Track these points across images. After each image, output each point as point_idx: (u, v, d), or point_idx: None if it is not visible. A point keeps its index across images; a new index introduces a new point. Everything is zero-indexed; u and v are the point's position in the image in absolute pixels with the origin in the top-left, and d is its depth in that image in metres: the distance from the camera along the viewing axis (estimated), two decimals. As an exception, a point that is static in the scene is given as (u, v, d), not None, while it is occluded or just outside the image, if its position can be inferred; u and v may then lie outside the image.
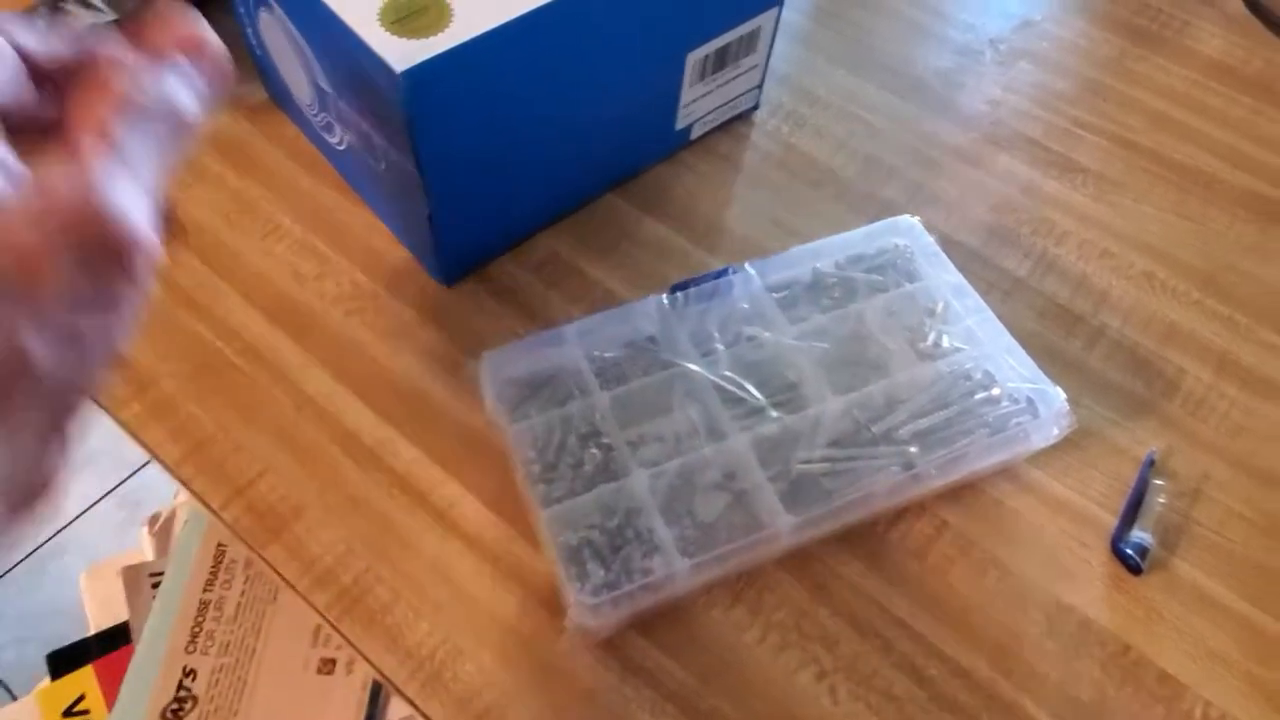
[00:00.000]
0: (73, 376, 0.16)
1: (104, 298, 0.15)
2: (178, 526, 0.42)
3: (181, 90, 0.17)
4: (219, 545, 0.40)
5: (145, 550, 0.43)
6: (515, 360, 0.32)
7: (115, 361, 0.17)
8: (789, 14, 0.47)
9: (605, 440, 0.30)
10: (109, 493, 1.29)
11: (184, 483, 0.31)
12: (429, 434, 0.33)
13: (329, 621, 0.29)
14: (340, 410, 0.33)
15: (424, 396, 0.33)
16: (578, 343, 0.32)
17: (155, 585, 0.41)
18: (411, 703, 0.27)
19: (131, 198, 0.15)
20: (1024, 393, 0.32)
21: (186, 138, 0.17)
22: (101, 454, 1.31)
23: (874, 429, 0.31)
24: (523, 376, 0.32)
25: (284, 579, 0.30)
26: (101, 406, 0.33)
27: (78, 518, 1.27)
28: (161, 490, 1.28)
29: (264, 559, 0.30)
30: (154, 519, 0.44)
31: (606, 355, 0.32)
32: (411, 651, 0.28)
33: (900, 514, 0.32)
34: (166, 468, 0.32)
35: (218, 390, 0.33)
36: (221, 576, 0.39)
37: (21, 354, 0.15)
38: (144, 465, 1.30)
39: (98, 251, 0.15)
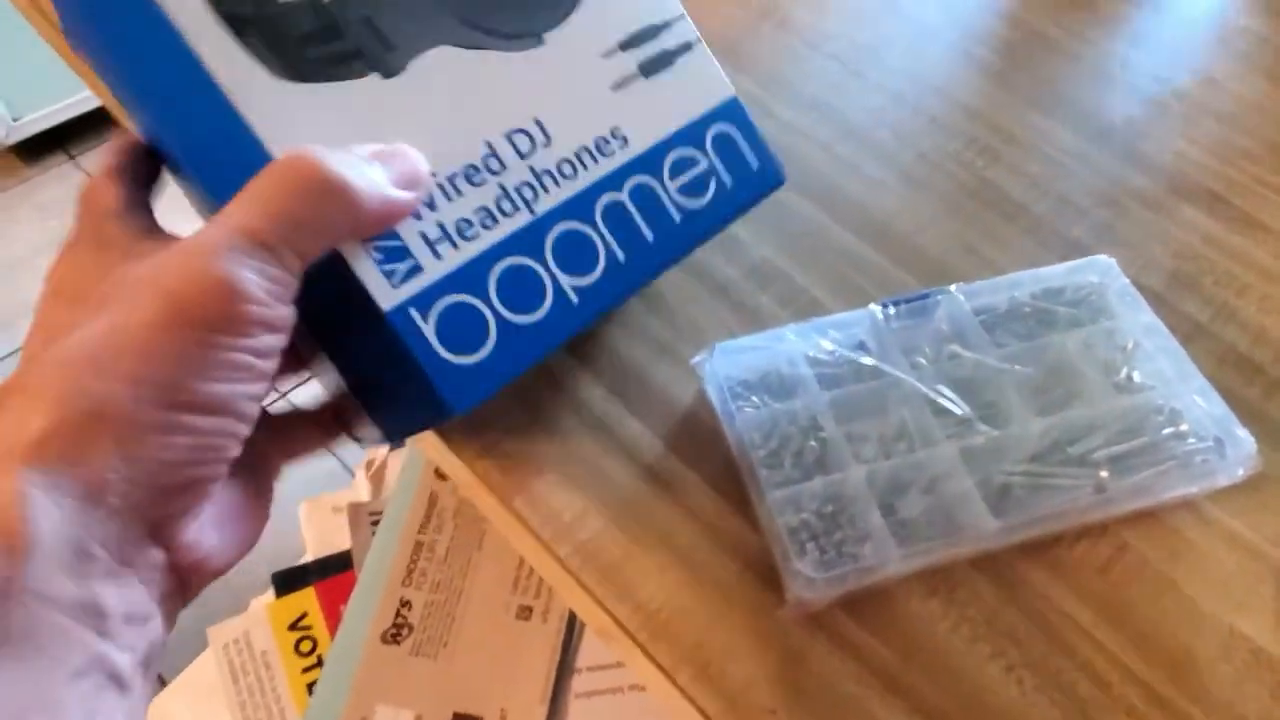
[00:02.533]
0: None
1: None
2: (390, 472, 0.46)
3: None
4: (432, 492, 0.44)
5: (361, 490, 0.48)
6: (739, 354, 0.35)
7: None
8: (984, 52, 0.50)
9: (824, 434, 0.33)
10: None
11: (442, 435, 0.35)
12: (652, 412, 0.36)
13: (570, 572, 0.32)
14: (576, 384, 0.37)
15: (646, 377, 0.37)
16: (797, 342, 0.35)
17: (374, 523, 0.45)
18: (643, 649, 0.31)
19: None
20: (1212, 432, 0.35)
21: None
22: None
23: (1070, 450, 0.34)
24: (747, 370, 0.35)
25: (529, 529, 0.33)
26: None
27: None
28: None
29: (512, 510, 0.34)
30: (370, 463, 0.48)
31: (822, 357, 0.35)
32: (640, 605, 0.32)
33: (1084, 531, 0.34)
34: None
35: (465, 353, 0.37)
36: (434, 521, 0.43)
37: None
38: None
39: None
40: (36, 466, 0.21)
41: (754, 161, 0.35)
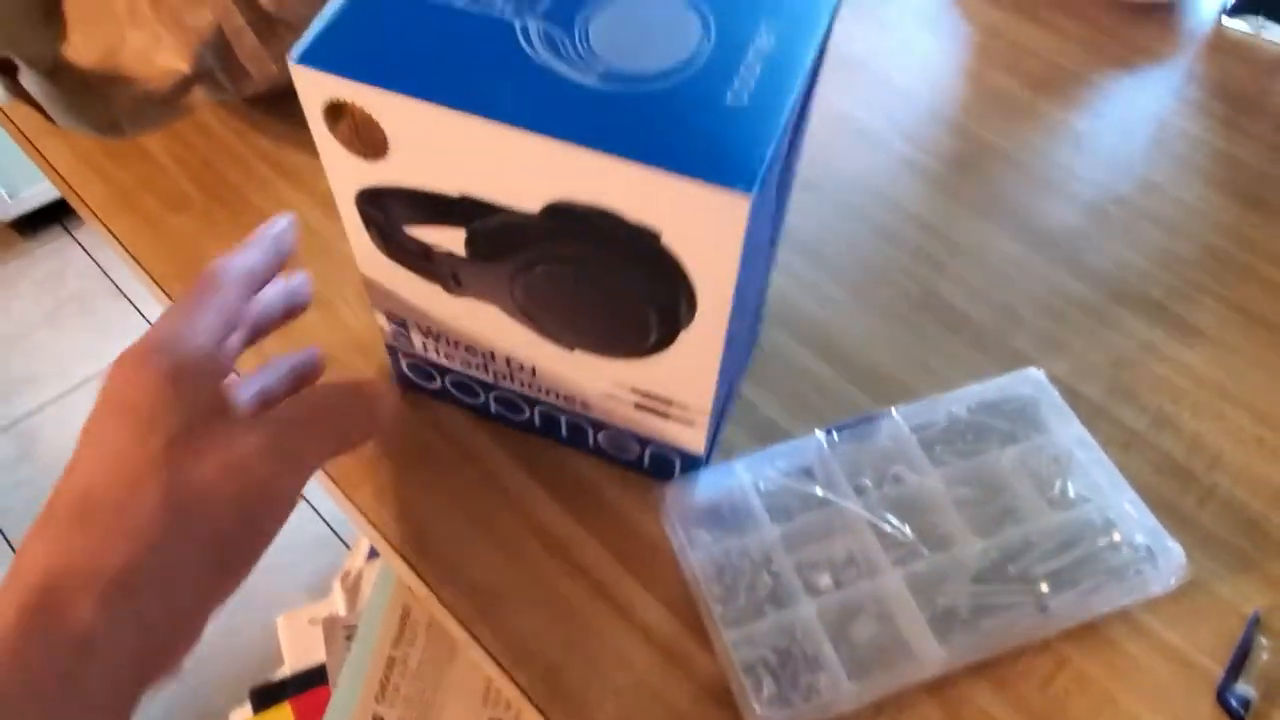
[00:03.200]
0: None
1: None
2: (365, 585, 0.48)
3: None
4: (405, 606, 0.45)
5: (337, 602, 0.49)
6: (692, 487, 0.37)
7: None
8: (931, 162, 0.52)
9: (775, 569, 0.35)
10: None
11: (409, 563, 0.37)
12: (610, 534, 0.38)
13: (531, 701, 0.34)
14: (534, 506, 0.38)
15: (605, 500, 0.39)
16: (747, 475, 0.37)
17: (348, 637, 0.46)
18: (601, 776, 0.32)
19: None
20: (1143, 543, 0.36)
21: None
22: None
23: (1011, 568, 0.35)
24: (700, 502, 0.37)
25: (492, 656, 0.35)
26: (339, 487, 0.38)
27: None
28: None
29: (475, 637, 0.35)
30: (345, 574, 0.50)
31: (771, 488, 0.37)
32: (599, 730, 0.33)
33: (1026, 647, 0.36)
34: (393, 548, 0.37)
35: (431, 481, 0.39)
36: (407, 635, 0.44)
37: None
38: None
39: None
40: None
41: None
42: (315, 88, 0.27)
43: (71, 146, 0.49)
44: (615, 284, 0.30)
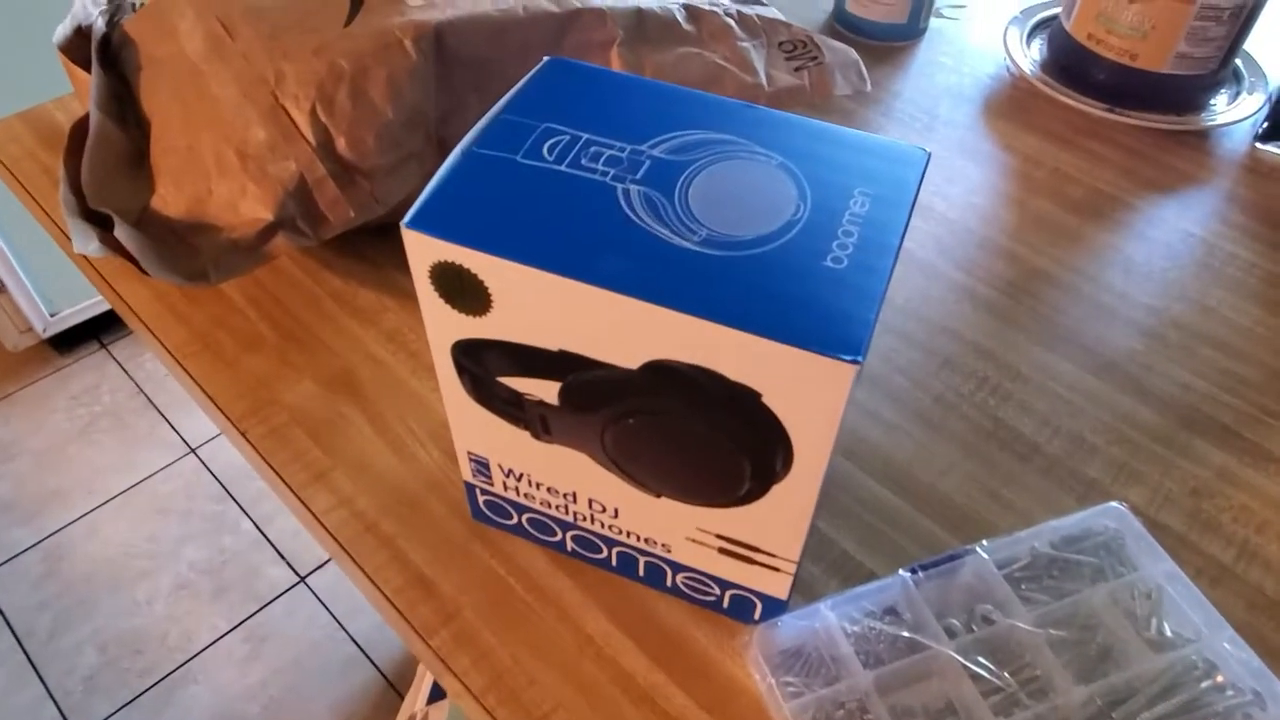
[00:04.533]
0: None
1: None
2: (432, 729, 0.46)
3: None
4: (476, 754, 0.44)
5: None
6: (778, 630, 0.36)
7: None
8: (985, 290, 0.53)
9: (871, 717, 0.34)
10: (237, 626, 1.35)
11: (488, 711, 0.36)
12: (694, 679, 0.37)
13: None
14: (617, 652, 0.38)
15: (686, 643, 0.38)
16: (832, 615, 0.36)
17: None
18: None
19: None
20: (1249, 684, 0.35)
21: None
22: (233, 587, 1.38)
23: (1115, 715, 0.34)
24: (786, 645, 0.36)
25: (581, 815, 0.33)
26: (416, 632, 0.38)
27: (206, 649, 1.32)
28: (283, 627, 1.33)
29: (562, 793, 0.34)
30: (413, 717, 0.48)
31: (859, 630, 0.36)
32: None
33: (1135, 802, 0.34)
34: (473, 695, 0.36)
35: (510, 623, 0.38)
36: (478, 785, 0.43)
37: None
38: (273, 600, 1.37)
39: None
40: None
41: None
42: (424, 250, 0.28)
43: (151, 289, 0.50)
44: (710, 438, 0.30)
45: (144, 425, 1.57)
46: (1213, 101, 0.64)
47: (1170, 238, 0.57)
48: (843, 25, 0.72)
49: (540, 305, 0.28)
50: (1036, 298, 0.53)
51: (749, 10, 0.58)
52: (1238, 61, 0.66)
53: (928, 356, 0.49)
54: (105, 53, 0.53)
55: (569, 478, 0.35)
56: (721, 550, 0.35)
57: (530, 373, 0.31)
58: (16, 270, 1.47)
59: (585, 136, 0.31)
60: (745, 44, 0.57)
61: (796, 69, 0.57)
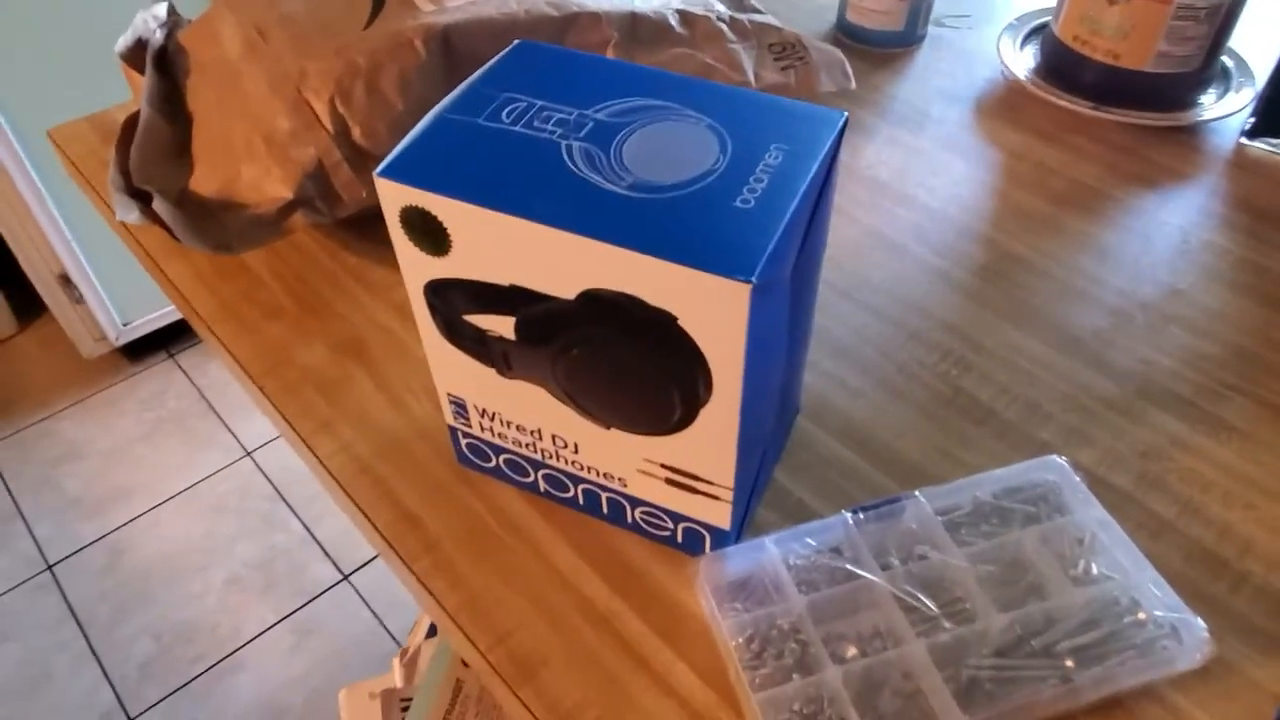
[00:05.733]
0: None
1: None
2: (422, 661, 0.50)
3: None
4: (458, 680, 0.47)
5: (395, 677, 0.52)
6: (726, 562, 0.39)
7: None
8: (959, 272, 0.55)
9: (803, 637, 0.37)
10: (283, 619, 1.41)
11: (459, 626, 0.40)
12: (650, 607, 0.40)
13: (568, 757, 0.36)
14: (580, 582, 0.41)
15: (643, 575, 0.41)
16: (776, 549, 0.39)
17: (404, 709, 0.49)
18: (632, 835, 0.34)
19: None
20: (1168, 620, 0.37)
21: None
22: (281, 583, 1.44)
23: (1034, 643, 0.36)
24: (733, 576, 0.39)
25: (534, 716, 0.37)
26: (401, 559, 0.42)
27: (254, 640, 1.39)
28: (327, 621, 1.39)
29: (519, 698, 0.37)
30: (404, 651, 0.52)
31: (800, 563, 0.39)
32: (631, 792, 0.35)
33: (1054, 725, 0.36)
34: (447, 613, 0.40)
35: (484, 555, 0.42)
36: (458, 708, 0.46)
37: None
38: (318, 595, 1.42)
39: None
40: None
41: None
42: (393, 196, 0.33)
43: (190, 266, 0.56)
44: (642, 365, 0.33)
45: (205, 429, 1.66)
46: (1200, 99, 0.66)
47: (1148, 228, 0.59)
48: (844, 33, 0.76)
49: (491, 243, 0.32)
50: (1008, 280, 0.55)
51: (741, 15, 0.62)
52: (1226, 60, 0.68)
53: (896, 330, 0.52)
54: (161, 60, 0.59)
55: (533, 414, 0.39)
56: (668, 481, 0.38)
57: (488, 308, 0.35)
58: (94, 282, 1.58)
59: (540, 103, 0.35)
60: (735, 46, 0.61)
61: (783, 68, 0.61)
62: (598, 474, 0.40)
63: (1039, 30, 0.73)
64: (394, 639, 1.38)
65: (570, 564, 0.42)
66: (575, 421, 0.38)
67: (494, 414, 0.40)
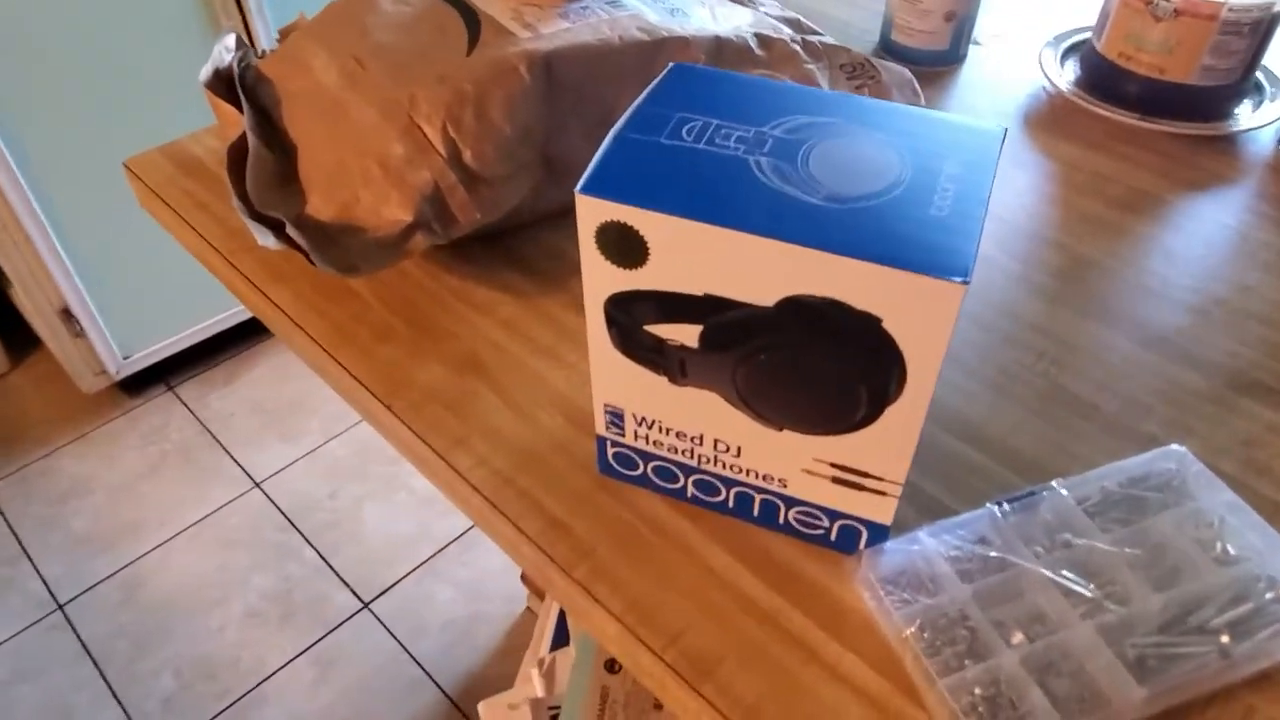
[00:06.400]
0: None
1: None
2: (559, 670, 0.51)
3: None
4: (603, 687, 0.48)
5: (536, 687, 0.52)
6: (883, 556, 0.41)
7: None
8: (1038, 276, 0.58)
9: (971, 623, 0.39)
10: (305, 651, 1.39)
11: (629, 629, 0.41)
12: (811, 604, 0.41)
13: (760, 749, 0.37)
14: (737, 582, 0.42)
15: (800, 573, 0.43)
16: (931, 541, 0.41)
17: (553, 718, 0.49)
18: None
19: None
20: (1307, 599, 0.39)
21: None
22: (300, 614, 1.43)
23: (1190, 620, 0.38)
24: (891, 569, 0.41)
25: (719, 711, 0.38)
26: (559, 567, 0.43)
27: (277, 672, 1.37)
28: (349, 651, 1.37)
29: (703, 696, 0.39)
30: (542, 661, 0.53)
31: (954, 554, 0.41)
32: (826, 779, 0.36)
33: (1212, 698, 0.38)
34: (615, 617, 0.41)
35: (640, 560, 0.43)
36: (608, 713, 0.47)
37: None
38: (339, 625, 1.41)
39: None
40: None
41: None
42: (593, 212, 0.34)
43: (293, 292, 0.57)
44: (834, 367, 0.35)
45: (210, 462, 1.64)
46: (1237, 110, 0.70)
47: (1205, 229, 0.62)
48: (888, 52, 0.79)
49: (691, 254, 0.34)
50: (1085, 282, 0.58)
51: (812, 38, 0.65)
52: (1258, 75, 0.72)
53: (990, 334, 0.54)
54: (244, 89, 0.60)
55: (698, 420, 0.40)
56: (834, 479, 0.40)
57: (676, 318, 0.36)
58: (95, 315, 1.56)
59: (715, 122, 0.37)
60: (810, 66, 0.63)
61: (858, 87, 0.64)
62: (757, 476, 0.41)
63: (1077, 47, 0.77)
64: (419, 665, 1.37)
65: (725, 564, 0.43)
66: (743, 425, 0.39)
67: (653, 422, 0.42)
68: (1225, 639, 0.38)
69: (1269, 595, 0.39)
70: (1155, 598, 0.39)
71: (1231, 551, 0.41)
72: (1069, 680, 0.37)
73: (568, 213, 0.61)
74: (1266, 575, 0.40)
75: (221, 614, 1.42)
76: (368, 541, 1.52)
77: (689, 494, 0.44)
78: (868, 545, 0.42)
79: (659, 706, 0.58)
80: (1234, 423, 0.49)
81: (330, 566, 1.49)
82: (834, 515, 0.41)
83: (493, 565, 1.49)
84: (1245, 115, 0.70)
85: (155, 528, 1.54)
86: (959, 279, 0.30)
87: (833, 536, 0.42)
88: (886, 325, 0.33)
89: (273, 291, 0.57)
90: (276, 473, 1.62)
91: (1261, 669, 0.38)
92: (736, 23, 0.64)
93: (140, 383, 1.75)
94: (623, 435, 0.43)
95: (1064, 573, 0.40)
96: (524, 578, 1.43)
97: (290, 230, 0.49)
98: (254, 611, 1.43)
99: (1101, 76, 0.72)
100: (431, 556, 1.50)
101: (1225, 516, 0.42)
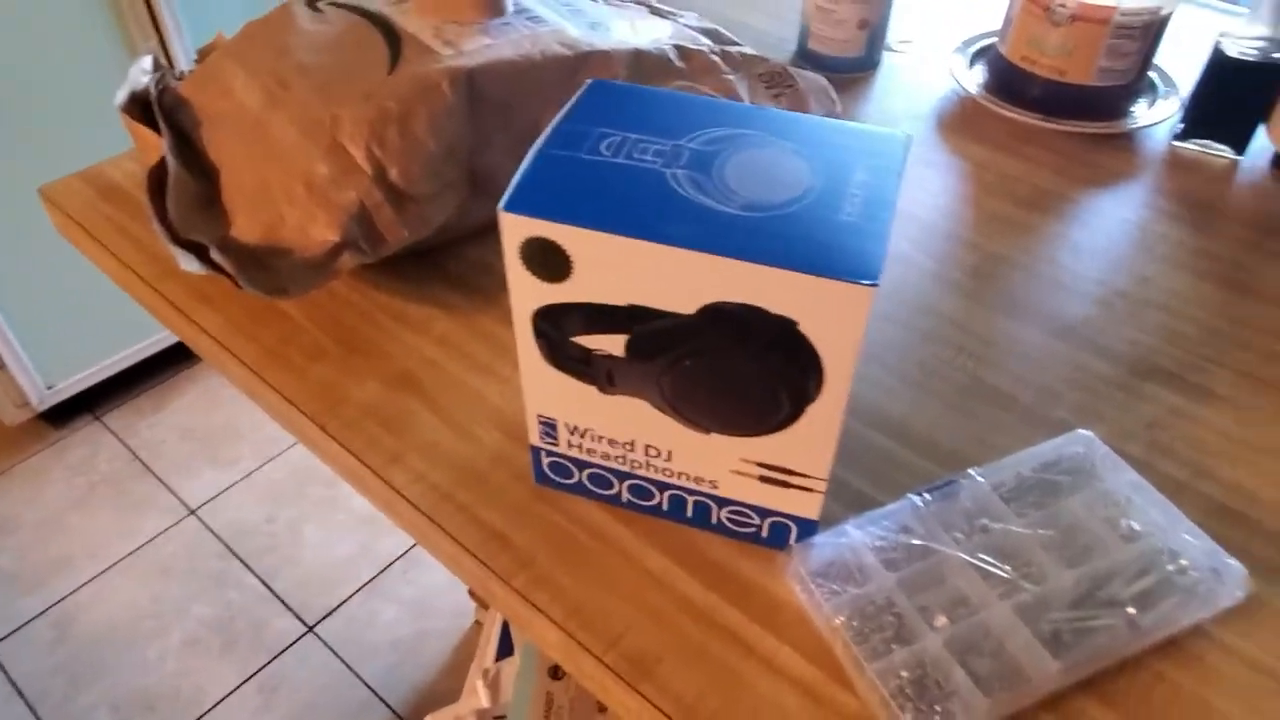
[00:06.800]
0: None
1: None
2: (504, 680, 0.51)
3: None
4: (548, 693, 0.49)
5: (482, 697, 0.52)
6: (814, 550, 0.42)
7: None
8: (954, 274, 0.61)
9: (897, 610, 0.40)
10: (248, 679, 1.37)
11: (571, 635, 0.41)
12: (745, 600, 0.43)
13: (701, 743, 0.38)
14: (674, 582, 0.43)
15: (734, 571, 0.44)
16: (857, 533, 0.43)
17: (499, 728, 0.50)
18: (776, 807, 0.36)
19: None
20: (1206, 565, 0.42)
21: None
22: (242, 641, 1.40)
23: (1100, 594, 0.41)
24: (821, 561, 0.42)
25: (660, 710, 0.39)
26: (499, 578, 0.44)
27: (220, 703, 1.34)
28: (294, 676, 1.35)
29: (642, 695, 0.39)
30: (486, 672, 0.53)
31: (879, 544, 0.43)
32: (765, 769, 0.37)
33: (1123, 666, 0.40)
34: (555, 624, 0.42)
35: (579, 566, 0.44)
36: (552, 718, 0.48)
37: None
38: (283, 650, 1.39)
39: None
40: None
41: None
42: (516, 229, 0.35)
43: (222, 315, 0.56)
44: (755, 370, 0.36)
45: (142, 491, 1.60)
46: (1134, 108, 0.74)
47: (1107, 224, 0.65)
48: (805, 60, 0.81)
49: (613, 266, 0.35)
50: (998, 278, 0.60)
51: (731, 48, 0.67)
52: (1152, 74, 0.76)
53: (910, 332, 0.56)
54: (162, 112, 0.59)
55: (628, 427, 0.41)
56: (762, 478, 0.41)
57: (602, 329, 0.37)
58: (15, 346, 1.50)
59: (633, 136, 0.38)
60: (729, 76, 0.65)
61: (775, 96, 0.66)
62: (689, 478, 0.43)
63: (984, 51, 0.80)
64: (367, 686, 1.36)
65: (661, 566, 0.44)
66: (672, 430, 0.41)
67: (585, 430, 0.42)
68: (1132, 610, 0.40)
69: (1171, 567, 0.42)
70: (1067, 575, 0.41)
71: (1136, 528, 0.43)
72: (990, 659, 0.39)
73: (497, 227, 0.62)
74: (1169, 549, 0.43)
75: (160, 645, 1.39)
76: (309, 564, 1.50)
77: (624, 499, 0.45)
78: (797, 540, 0.43)
79: (603, 709, 0.59)
80: (1139, 407, 0.52)
81: (271, 591, 1.46)
82: (764, 513, 0.43)
83: (438, 582, 1.48)
84: (1141, 113, 0.73)
85: (86, 561, 1.49)
86: (868, 281, 0.32)
87: (764, 534, 0.44)
88: (803, 328, 0.34)
89: (200, 316, 0.56)
90: (211, 499, 1.59)
91: (1167, 636, 0.41)
92: (656, 35, 0.65)
93: (65, 413, 1.70)
94: (556, 445, 0.44)
95: (982, 556, 0.42)
96: (471, 592, 1.42)
97: (214, 254, 0.49)
98: (193, 641, 1.39)
99: (1007, 79, 0.75)
100: (375, 576, 1.48)
101: (1130, 495, 0.45)
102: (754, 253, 0.33)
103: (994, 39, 0.78)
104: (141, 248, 0.61)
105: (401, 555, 1.51)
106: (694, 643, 0.41)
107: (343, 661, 1.38)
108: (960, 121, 0.75)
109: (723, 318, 0.35)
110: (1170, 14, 0.69)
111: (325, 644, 1.40)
